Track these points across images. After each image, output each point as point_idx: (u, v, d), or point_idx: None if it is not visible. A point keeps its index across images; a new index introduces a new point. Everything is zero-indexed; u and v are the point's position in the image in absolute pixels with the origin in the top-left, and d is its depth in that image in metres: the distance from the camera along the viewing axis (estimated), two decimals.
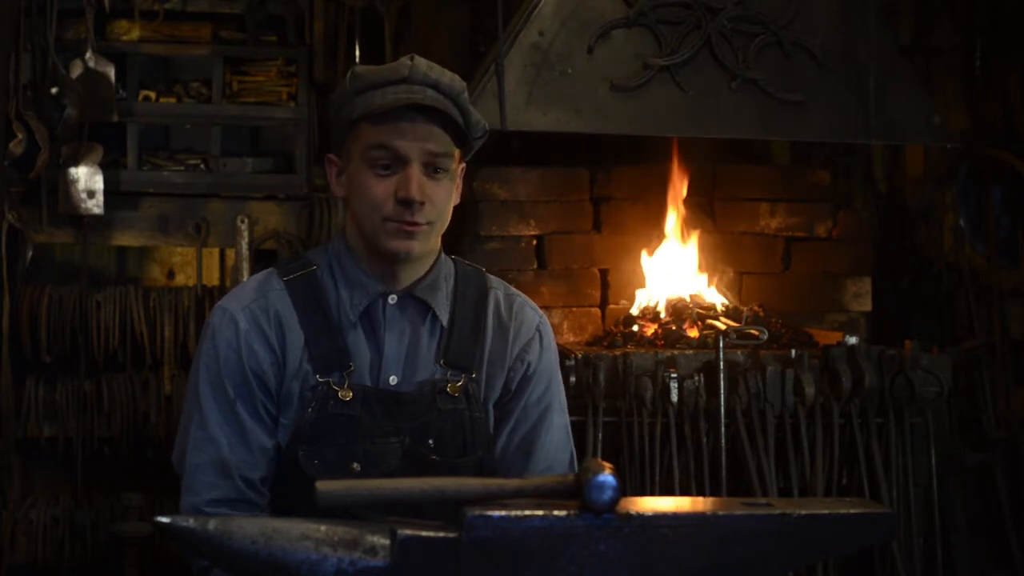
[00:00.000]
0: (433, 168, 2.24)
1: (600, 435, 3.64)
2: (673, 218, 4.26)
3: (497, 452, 2.37)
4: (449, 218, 2.31)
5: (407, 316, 2.33)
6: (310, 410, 2.25)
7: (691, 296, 4.16)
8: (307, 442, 2.25)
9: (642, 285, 4.24)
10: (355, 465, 2.24)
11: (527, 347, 2.40)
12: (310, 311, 2.29)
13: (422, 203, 2.22)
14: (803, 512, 1.80)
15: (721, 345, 3.62)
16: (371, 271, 2.31)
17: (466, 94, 2.29)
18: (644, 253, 4.24)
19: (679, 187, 4.26)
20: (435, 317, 2.34)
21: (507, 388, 2.38)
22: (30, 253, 4.24)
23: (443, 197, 2.26)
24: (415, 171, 2.22)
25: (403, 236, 2.24)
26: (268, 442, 2.27)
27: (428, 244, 2.30)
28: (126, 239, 4.41)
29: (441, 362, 2.32)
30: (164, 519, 1.73)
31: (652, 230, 4.28)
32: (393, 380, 2.30)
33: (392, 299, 2.32)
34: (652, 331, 3.99)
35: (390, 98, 2.22)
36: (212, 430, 2.25)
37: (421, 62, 2.28)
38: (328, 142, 4.39)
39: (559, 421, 2.43)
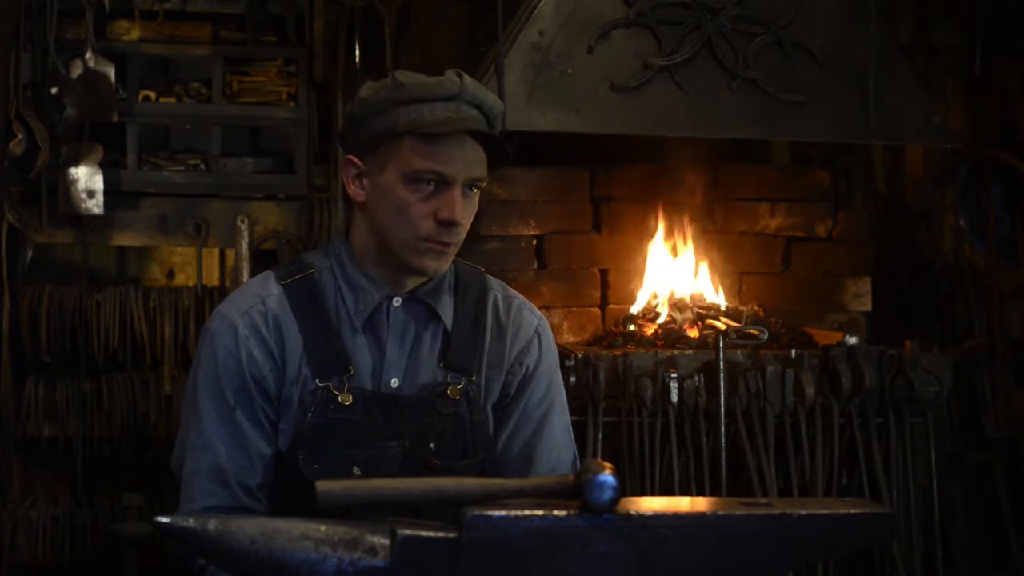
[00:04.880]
0: (469, 187, 2.24)
1: (600, 435, 3.64)
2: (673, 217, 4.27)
3: (498, 456, 2.36)
4: None
5: (410, 319, 2.32)
6: (310, 414, 2.24)
7: (691, 296, 4.16)
8: (307, 446, 2.24)
9: (641, 285, 4.25)
10: (355, 470, 2.23)
11: (526, 350, 2.39)
12: (309, 315, 2.28)
13: (460, 224, 2.22)
14: (803, 512, 1.80)
15: (721, 345, 3.62)
16: (376, 276, 2.30)
17: (501, 118, 2.30)
18: (649, 246, 4.25)
19: (678, 186, 4.27)
20: (439, 320, 2.33)
21: (506, 391, 2.37)
22: (30, 253, 4.24)
23: (471, 215, 2.27)
24: (458, 193, 2.20)
25: (435, 256, 2.23)
26: (267, 449, 2.26)
27: (450, 262, 2.31)
28: (126, 239, 4.41)
29: (441, 365, 2.32)
30: (164, 519, 1.73)
31: (652, 230, 4.28)
32: (394, 383, 2.29)
33: (396, 302, 2.31)
34: (652, 331, 3.99)
35: (440, 115, 2.20)
36: (210, 437, 2.24)
37: (469, 80, 2.25)
38: (328, 142, 4.45)
39: (560, 423, 2.42)
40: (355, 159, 2.28)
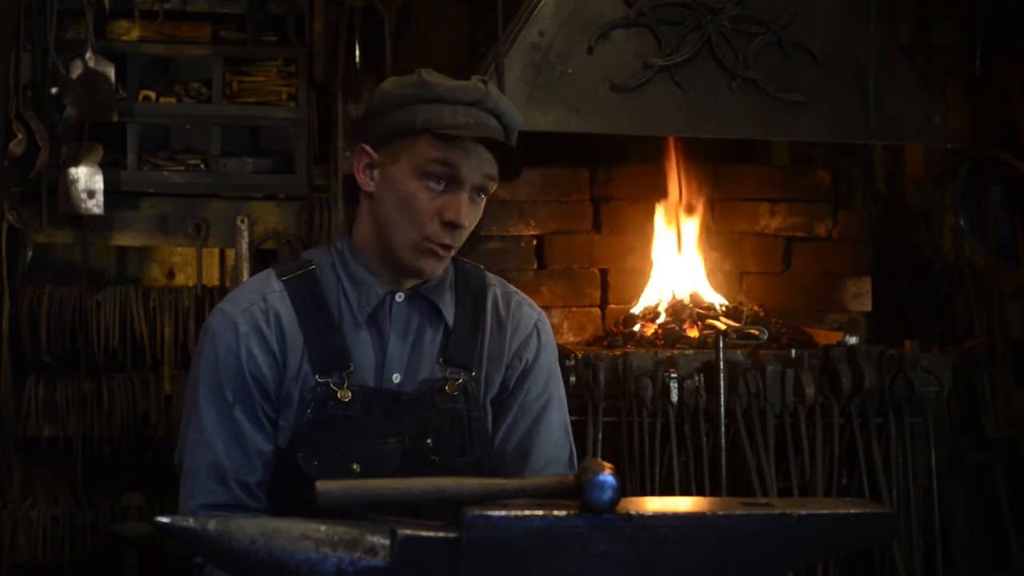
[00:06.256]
0: (477, 191, 2.25)
1: (600, 435, 3.64)
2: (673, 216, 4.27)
3: (495, 449, 2.37)
4: None
5: (413, 315, 2.33)
6: (309, 411, 2.25)
7: (691, 296, 4.16)
8: (306, 443, 2.24)
9: (642, 285, 4.25)
10: (355, 466, 2.24)
11: (525, 344, 2.40)
12: (310, 312, 2.29)
13: (463, 228, 2.23)
14: (803, 512, 1.80)
15: (721, 345, 3.62)
16: (377, 271, 2.31)
17: (518, 132, 2.31)
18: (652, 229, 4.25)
19: (680, 184, 4.27)
20: (441, 317, 2.34)
21: (504, 385, 2.38)
22: (30, 253, 4.24)
23: (476, 220, 2.29)
24: (466, 196, 2.22)
25: (433, 258, 2.25)
26: (266, 447, 2.26)
27: (446, 265, 2.32)
28: (126, 239, 4.40)
29: (441, 360, 2.32)
30: (164, 519, 1.73)
31: (652, 230, 4.28)
32: (396, 379, 2.30)
33: (399, 297, 2.32)
34: (652, 331, 3.99)
35: (461, 119, 2.21)
36: (208, 434, 2.25)
37: (494, 89, 2.28)
38: (328, 141, 4.44)
39: (558, 418, 2.42)
40: (369, 149, 2.29)
